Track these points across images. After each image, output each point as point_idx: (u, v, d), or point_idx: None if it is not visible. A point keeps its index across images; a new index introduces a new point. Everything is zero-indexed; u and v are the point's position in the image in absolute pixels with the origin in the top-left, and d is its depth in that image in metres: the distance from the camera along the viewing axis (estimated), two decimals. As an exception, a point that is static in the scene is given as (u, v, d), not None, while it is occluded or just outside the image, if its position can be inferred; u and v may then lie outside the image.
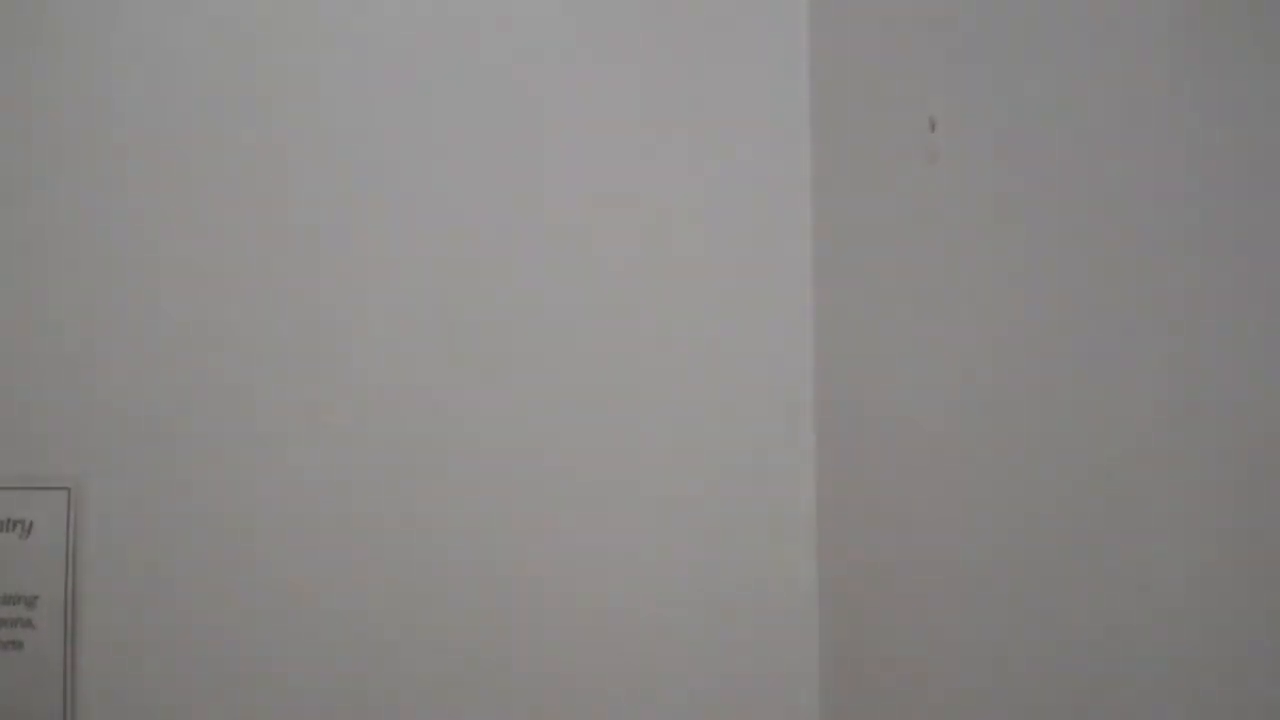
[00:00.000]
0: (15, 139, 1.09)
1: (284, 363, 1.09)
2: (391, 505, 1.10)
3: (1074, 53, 0.70)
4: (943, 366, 0.87)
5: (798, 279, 1.12)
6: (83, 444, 1.06)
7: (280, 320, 1.10)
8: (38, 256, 1.09)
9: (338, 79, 1.11)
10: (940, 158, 0.88)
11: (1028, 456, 0.75)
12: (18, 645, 1.02)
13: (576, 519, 1.12)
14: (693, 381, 1.13)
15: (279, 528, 1.08)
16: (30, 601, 1.02)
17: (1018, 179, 0.77)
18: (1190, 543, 0.59)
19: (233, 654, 1.07)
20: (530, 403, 1.12)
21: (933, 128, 0.89)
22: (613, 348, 1.13)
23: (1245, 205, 0.56)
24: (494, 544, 1.11)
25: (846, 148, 1.05)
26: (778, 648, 1.13)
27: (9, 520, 1.02)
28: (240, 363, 1.09)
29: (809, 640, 1.13)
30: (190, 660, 1.07)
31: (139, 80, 1.10)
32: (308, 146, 1.11)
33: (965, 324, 0.84)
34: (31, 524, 1.03)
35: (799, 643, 1.12)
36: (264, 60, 1.11)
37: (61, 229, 1.09)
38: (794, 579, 1.13)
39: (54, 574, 1.04)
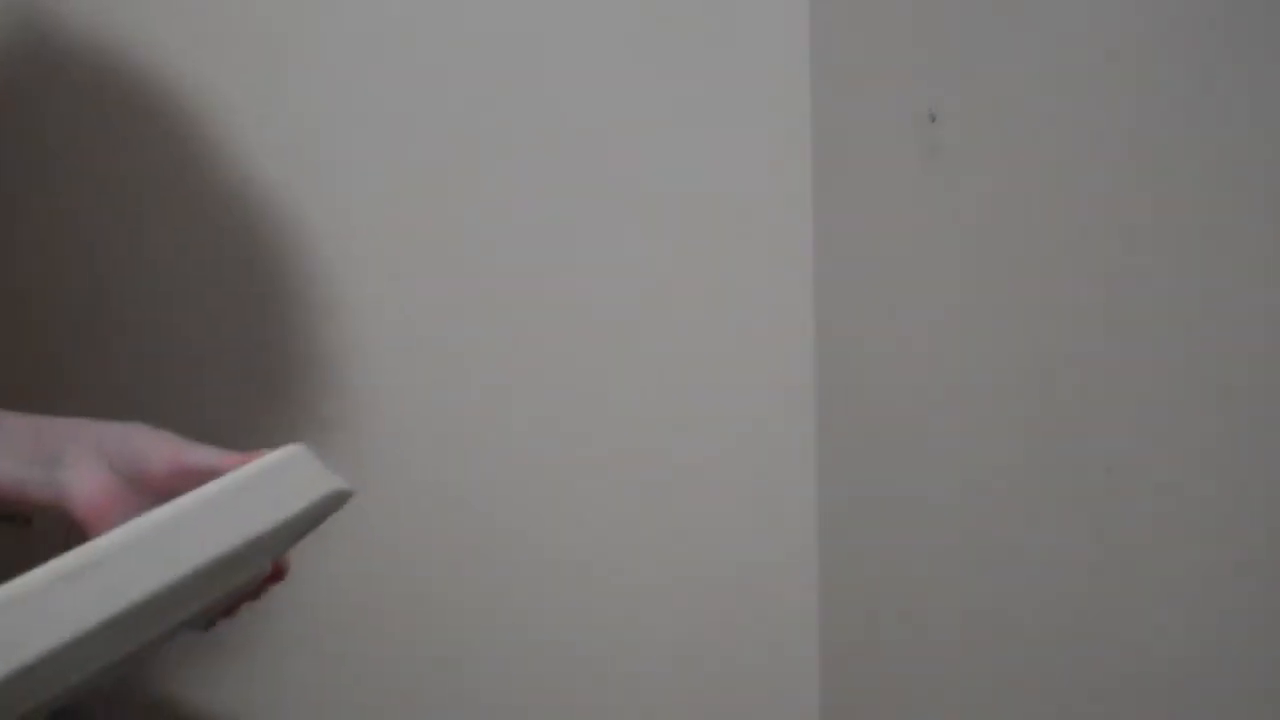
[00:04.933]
0: None
1: (287, 354, 1.09)
2: (397, 495, 1.10)
3: (1077, 46, 0.71)
4: (946, 361, 0.88)
5: (799, 271, 1.13)
6: (82, 435, 1.06)
7: (277, 314, 1.10)
8: (29, 244, 1.08)
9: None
10: (941, 150, 0.89)
11: (1031, 452, 0.75)
12: (18, 637, 1.01)
13: (564, 509, 1.13)
14: (690, 375, 1.13)
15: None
16: (30, 593, 1.02)
17: (1020, 172, 0.78)
18: (1200, 543, 0.60)
19: (232, 647, 1.07)
20: (514, 402, 1.12)
21: (933, 120, 0.89)
22: (611, 341, 1.13)
23: (1254, 205, 0.56)
24: (485, 536, 1.12)
25: (847, 140, 1.06)
26: (776, 648, 1.13)
27: (7, 511, 1.02)
28: (243, 355, 1.09)
29: (809, 640, 1.13)
30: (191, 653, 1.06)
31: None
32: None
33: (968, 318, 0.84)
34: (30, 515, 1.02)
35: (798, 642, 1.13)
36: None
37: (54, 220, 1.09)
38: (794, 577, 1.14)
39: (54, 566, 1.03)
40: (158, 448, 0.78)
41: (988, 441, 0.81)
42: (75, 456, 0.77)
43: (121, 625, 0.58)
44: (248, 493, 0.69)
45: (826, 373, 1.11)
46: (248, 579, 0.72)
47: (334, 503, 0.74)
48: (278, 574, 0.78)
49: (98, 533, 0.74)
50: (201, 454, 0.78)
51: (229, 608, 0.79)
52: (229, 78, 1.09)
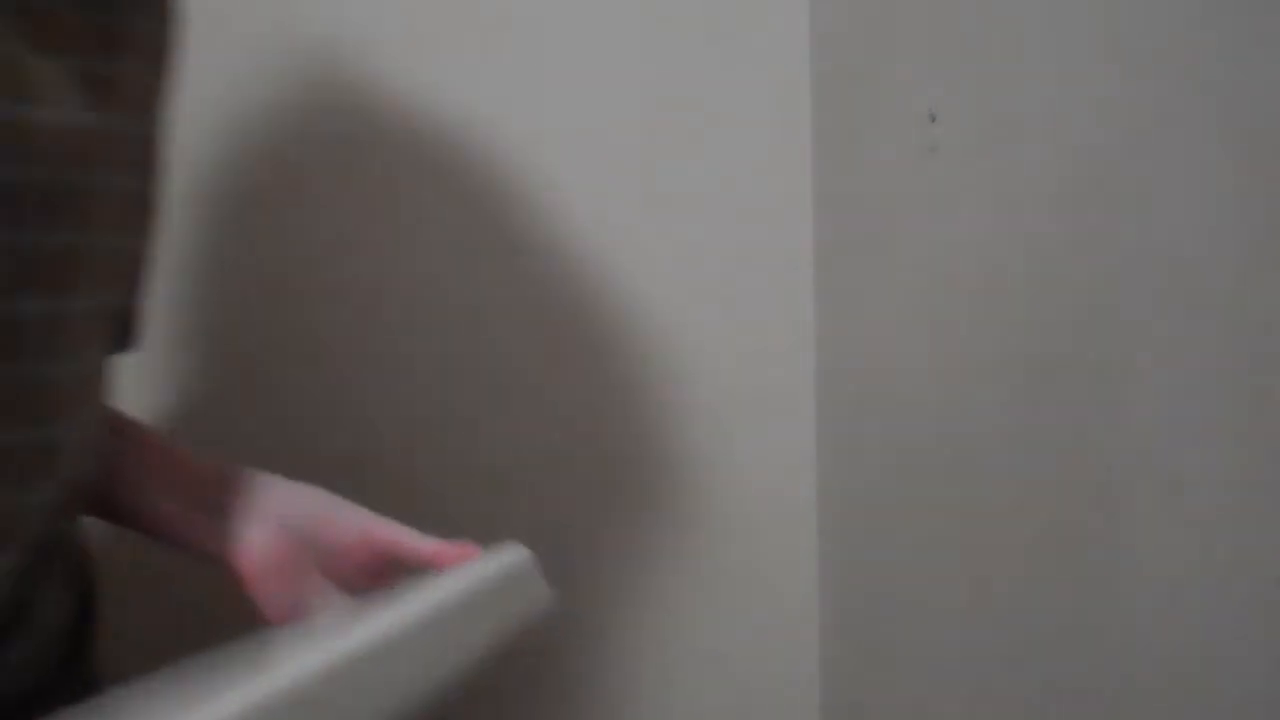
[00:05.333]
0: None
1: (276, 356, 1.09)
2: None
3: (1078, 46, 0.71)
4: (945, 360, 0.88)
5: (799, 271, 1.13)
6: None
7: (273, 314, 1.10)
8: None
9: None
10: (941, 150, 0.88)
11: (1031, 449, 0.75)
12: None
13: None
14: (690, 375, 1.13)
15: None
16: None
17: (1019, 172, 0.77)
18: (1200, 543, 0.60)
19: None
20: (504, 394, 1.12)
21: (933, 120, 0.89)
22: (610, 341, 1.13)
23: (1255, 202, 0.56)
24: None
25: (848, 139, 1.05)
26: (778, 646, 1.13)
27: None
28: (253, 349, 1.09)
29: (809, 633, 1.13)
30: (199, 653, 1.06)
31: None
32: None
33: (968, 317, 0.84)
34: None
35: (799, 636, 1.13)
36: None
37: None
38: (795, 575, 1.13)
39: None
40: (346, 517, 0.76)
41: (987, 439, 0.81)
42: (251, 510, 0.75)
43: None
44: (482, 601, 0.61)
45: (826, 372, 1.11)
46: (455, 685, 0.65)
47: (541, 615, 0.67)
48: None
49: (258, 591, 0.73)
50: (396, 532, 0.75)
51: None
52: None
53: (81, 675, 0.78)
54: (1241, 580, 0.56)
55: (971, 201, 0.84)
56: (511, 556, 0.67)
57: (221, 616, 0.74)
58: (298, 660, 0.48)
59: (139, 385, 1.03)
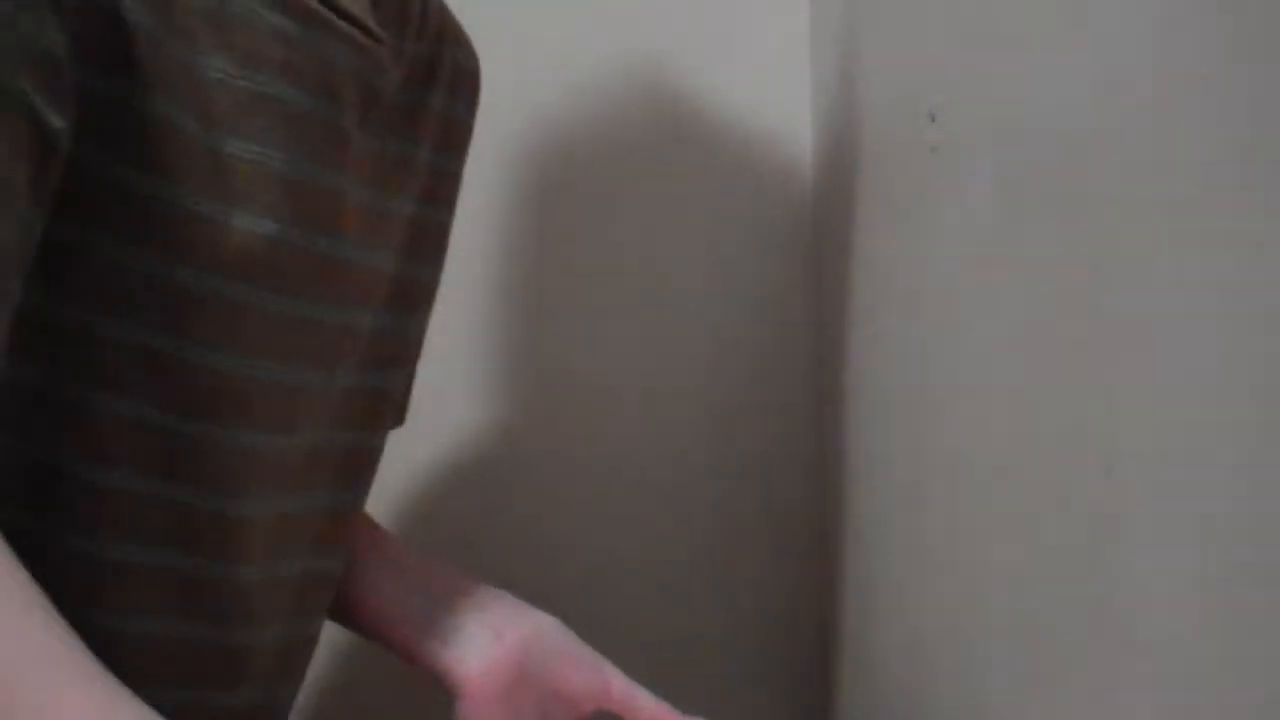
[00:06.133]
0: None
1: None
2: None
3: (1078, 45, 0.71)
4: (944, 360, 0.88)
5: (800, 271, 1.13)
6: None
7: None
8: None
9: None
10: (941, 149, 0.89)
11: (1029, 449, 0.75)
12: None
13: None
14: (691, 375, 1.13)
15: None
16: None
17: (1019, 172, 0.78)
18: (1201, 543, 0.59)
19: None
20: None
21: (933, 120, 0.90)
22: (611, 340, 1.13)
23: (1256, 200, 0.56)
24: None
25: (847, 140, 1.06)
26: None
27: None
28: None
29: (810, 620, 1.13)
30: None
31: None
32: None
33: (967, 317, 0.84)
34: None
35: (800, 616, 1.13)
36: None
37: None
38: (795, 574, 1.13)
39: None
40: (587, 660, 0.71)
41: (986, 438, 0.81)
42: (488, 626, 0.70)
43: None
44: None
45: (826, 373, 1.11)
46: None
47: None
48: None
49: (471, 714, 0.68)
50: (634, 689, 0.71)
51: None
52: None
53: None
54: (1243, 586, 0.56)
55: (972, 202, 0.84)
56: None
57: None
58: None
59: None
